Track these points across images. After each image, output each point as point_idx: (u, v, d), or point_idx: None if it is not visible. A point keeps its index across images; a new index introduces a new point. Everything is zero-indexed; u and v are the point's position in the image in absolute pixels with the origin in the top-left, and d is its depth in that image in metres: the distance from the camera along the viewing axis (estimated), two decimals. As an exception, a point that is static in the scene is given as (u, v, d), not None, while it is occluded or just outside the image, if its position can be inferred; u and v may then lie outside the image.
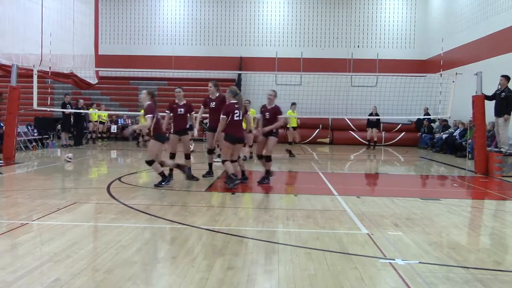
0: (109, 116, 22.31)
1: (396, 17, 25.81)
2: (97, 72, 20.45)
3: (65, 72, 17.84)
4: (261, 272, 4.66)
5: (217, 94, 10.44)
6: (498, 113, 12.62)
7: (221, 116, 9.10)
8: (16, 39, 15.01)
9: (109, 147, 19.70)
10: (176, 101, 10.28)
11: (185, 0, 26.29)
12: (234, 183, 9.26)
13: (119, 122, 23.20)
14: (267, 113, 10.30)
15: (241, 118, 9.26)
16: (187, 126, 10.30)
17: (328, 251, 5.31)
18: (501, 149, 12.57)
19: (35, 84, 14.51)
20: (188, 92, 23.38)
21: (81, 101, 19.83)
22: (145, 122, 9.07)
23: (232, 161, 9.39)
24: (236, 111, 9.15)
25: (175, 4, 26.32)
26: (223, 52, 25.52)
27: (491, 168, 12.45)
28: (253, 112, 15.19)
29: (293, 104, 17.13)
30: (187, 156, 10.38)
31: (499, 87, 12.65)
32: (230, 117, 9.11)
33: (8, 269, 4.52)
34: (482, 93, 12.88)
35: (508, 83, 12.50)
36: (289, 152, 16.15)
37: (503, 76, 12.60)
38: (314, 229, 6.36)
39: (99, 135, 21.41)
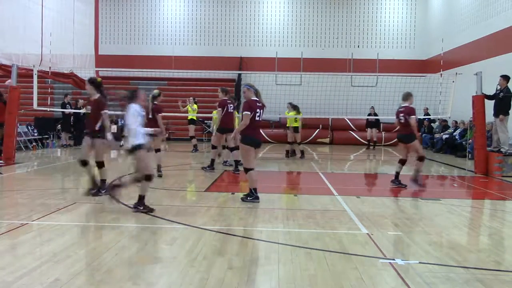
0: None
1: (396, 17, 25.80)
2: (97, 72, 20.45)
3: (65, 72, 17.84)
4: (261, 272, 4.66)
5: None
6: (496, 113, 12.66)
7: (245, 112, 7.92)
8: (16, 39, 15.02)
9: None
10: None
11: (185, 0, 26.28)
12: (252, 198, 8.06)
13: (119, 122, 23.18)
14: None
15: (261, 118, 8.13)
16: (97, 127, 8.11)
17: (328, 251, 5.31)
18: (501, 149, 12.57)
19: (35, 84, 14.51)
20: (188, 92, 23.57)
21: (81, 101, 19.82)
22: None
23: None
24: (258, 110, 8.01)
25: (175, 4, 26.31)
26: (223, 52, 25.51)
27: (491, 168, 12.45)
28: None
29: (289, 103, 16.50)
30: (99, 165, 8.26)
31: (498, 87, 12.66)
32: (251, 116, 7.91)
33: (8, 269, 4.52)
34: (482, 93, 12.89)
35: (507, 83, 12.50)
36: (297, 152, 16.00)
37: (502, 76, 12.61)
38: (314, 229, 6.36)
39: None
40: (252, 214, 7.30)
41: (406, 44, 25.73)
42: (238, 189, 9.45)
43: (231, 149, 11.70)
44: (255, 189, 8.04)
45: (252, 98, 8.08)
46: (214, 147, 12.09)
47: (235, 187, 10.00)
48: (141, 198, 7.07)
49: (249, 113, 7.88)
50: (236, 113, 14.72)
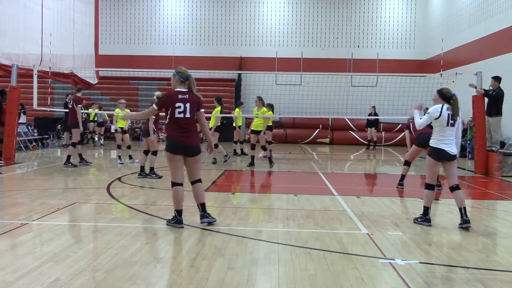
0: (109, 116, 22.25)
1: (396, 17, 25.80)
2: (97, 72, 20.45)
3: (65, 72, 17.83)
4: (261, 272, 4.66)
5: None
6: (489, 112, 12.81)
7: (153, 105, 6.29)
8: (16, 39, 15.00)
9: (109, 147, 19.69)
10: None
11: (185, 0, 26.29)
12: (174, 222, 6.23)
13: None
14: None
15: (189, 116, 6.09)
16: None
17: (328, 251, 5.31)
18: (493, 148, 12.70)
19: (35, 84, 14.51)
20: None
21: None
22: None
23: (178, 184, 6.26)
24: (180, 104, 6.06)
25: (175, 4, 26.32)
26: (223, 52, 25.51)
27: (491, 168, 12.47)
28: (237, 112, 15.26)
29: (241, 104, 16.35)
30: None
31: (491, 88, 12.81)
32: (170, 112, 6.07)
33: (8, 269, 4.52)
34: (482, 88, 12.94)
35: (499, 83, 12.68)
36: (235, 151, 15.96)
37: (493, 77, 12.80)
38: (314, 229, 6.36)
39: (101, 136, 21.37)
40: (252, 214, 7.30)
41: (406, 44, 25.73)
42: (239, 189, 9.44)
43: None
44: (178, 211, 6.23)
45: (176, 89, 6.16)
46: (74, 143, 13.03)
47: (235, 187, 9.99)
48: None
49: (155, 107, 6.18)
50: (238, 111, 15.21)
